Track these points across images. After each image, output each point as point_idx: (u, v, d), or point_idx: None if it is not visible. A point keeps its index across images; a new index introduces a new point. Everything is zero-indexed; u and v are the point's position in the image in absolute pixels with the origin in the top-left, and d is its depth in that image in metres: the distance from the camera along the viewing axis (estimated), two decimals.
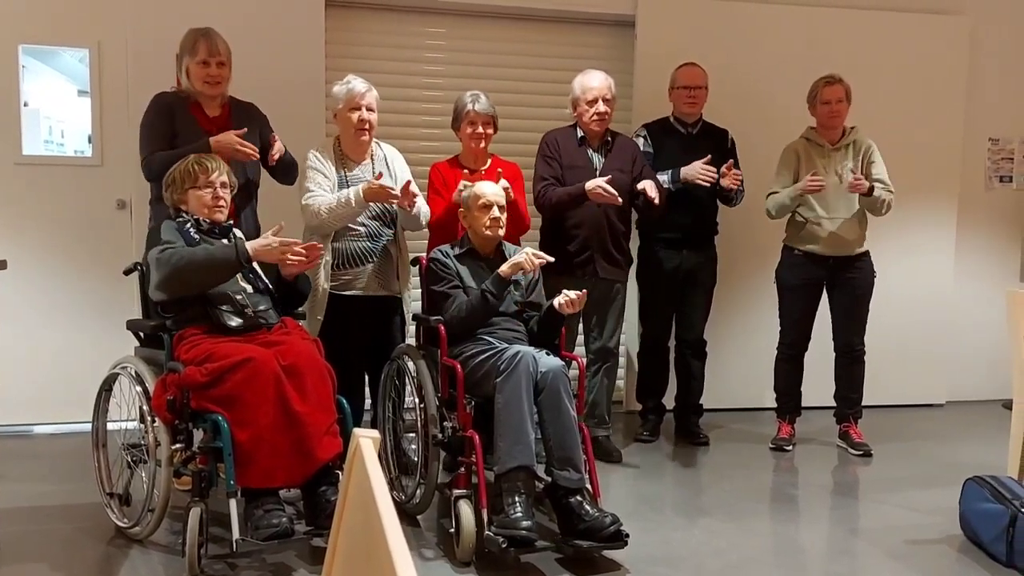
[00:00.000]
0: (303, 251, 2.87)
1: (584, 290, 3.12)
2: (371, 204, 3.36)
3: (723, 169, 3.92)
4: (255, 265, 3.02)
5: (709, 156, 3.94)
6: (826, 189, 3.96)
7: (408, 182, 3.32)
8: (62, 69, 4.33)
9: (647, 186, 3.64)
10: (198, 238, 2.87)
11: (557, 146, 3.86)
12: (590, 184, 3.60)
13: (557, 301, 3.07)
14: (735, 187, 3.96)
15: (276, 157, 3.41)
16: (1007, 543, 2.80)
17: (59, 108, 4.31)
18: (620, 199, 3.61)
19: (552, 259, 3.18)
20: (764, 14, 4.81)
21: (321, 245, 2.93)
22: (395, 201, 3.32)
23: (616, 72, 4.34)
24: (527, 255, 3.05)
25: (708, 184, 3.91)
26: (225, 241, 2.93)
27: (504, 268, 3.05)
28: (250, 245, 2.83)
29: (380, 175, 3.29)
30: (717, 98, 4.24)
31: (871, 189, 3.92)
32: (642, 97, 4.67)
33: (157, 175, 3.18)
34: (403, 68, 4.63)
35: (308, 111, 4.27)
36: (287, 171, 3.54)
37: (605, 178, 3.61)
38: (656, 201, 3.64)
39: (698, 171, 3.90)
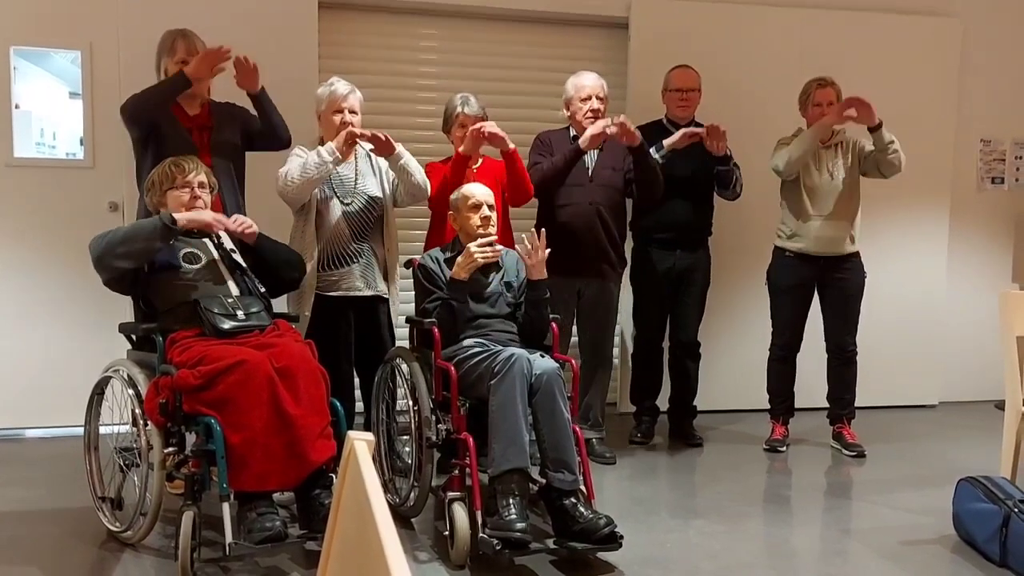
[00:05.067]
0: (236, 227, 2.96)
1: (537, 234, 3.13)
2: (354, 203, 3.39)
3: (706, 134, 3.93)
4: (244, 266, 3.02)
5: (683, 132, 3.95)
6: (816, 186, 4.01)
7: (382, 136, 3.33)
8: (54, 71, 4.31)
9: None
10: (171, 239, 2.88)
11: (550, 143, 3.88)
12: (585, 136, 3.64)
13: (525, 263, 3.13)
14: (723, 151, 3.95)
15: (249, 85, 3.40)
16: (1000, 543, 2.81)
17: (50, 110, 4.29)
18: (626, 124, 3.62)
19: (494, 237, 3.11)
20: (757, 16, 4.82)
21: (252, 229, 3.03)
22: (381, 152, 3.37)
23: (609, 73, 4.35)
24: (473, 248, 3.02)
25: (695, 138, 3.89)
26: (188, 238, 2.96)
27: (456, 270, 3.04)
28: (179, 213, 2.86)
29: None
30: (710, 99, 4.25)
31: (880, 124, 3.90)
32: (635, 98, 4.67)
33: (131, 112, 3.24)
34: (396, 69, 4.62)
35: (301, 114, 4.24)
36: (272, 128, 3.51)
37: (604, 123, 3.64)
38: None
39: (677, 136, 3.91)
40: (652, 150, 3.94)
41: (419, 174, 3.44)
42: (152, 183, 2.97)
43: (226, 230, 2.97)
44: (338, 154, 3.26)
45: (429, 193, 3.51)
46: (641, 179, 3.83)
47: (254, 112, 3.52)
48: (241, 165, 3.51)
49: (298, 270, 3.19)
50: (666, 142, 3.94)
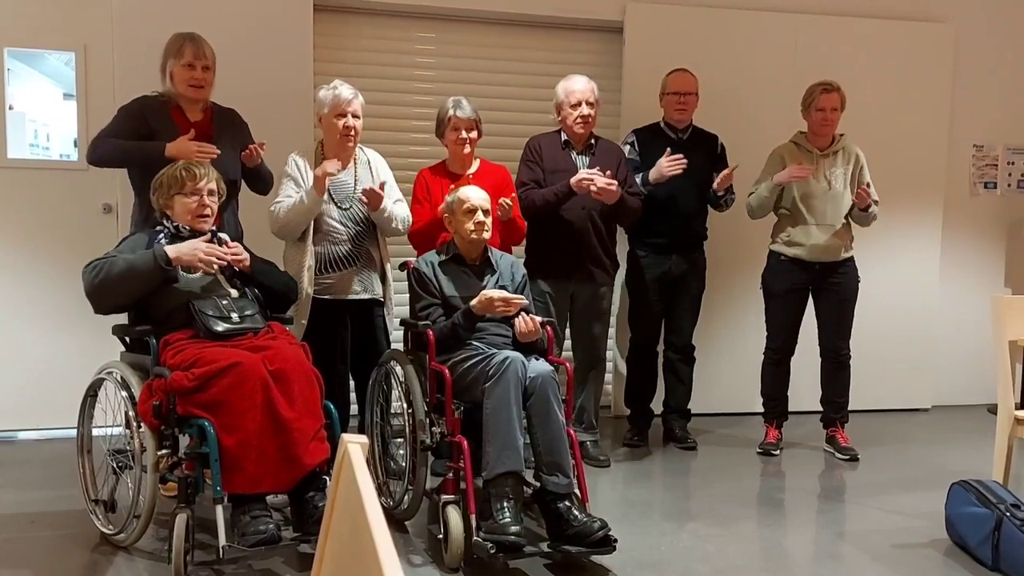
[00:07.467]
0: (227, 255, 2.87)
1: (526, 302, 3.11)
2: (351, 208, 3.39)
3: (721, 176, 3.99)
4: (238, 270, 3.01)
5: (668, 150, 3.92)
6: (813, 194, 4.01)
7: (381, 184, 3.32)
8: (48, 72, 4.31)
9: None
10: None
11: (540, 150, 3.87)
12: (575, 178, 3.62)
13: (519, 331, 3.08)
14: (720, 191, 4.02)
15: (253, 162, 3.38)
16: (992, 547, 2.82)
17: (44, 111, 4.28)
18: (611, 186, 3.60)
19: (525, 301, 3.10)
20: (751, 21, 4.83)
21: (245, 258, 2.95)
22: (364, 202, 3.35)
23: (604, 78, 4.36)
24: (499, 301, 2.98)
25: (679, 171, 3.87)
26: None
27: (476, 304, 3.00)
28: (172, 248, 2.79)
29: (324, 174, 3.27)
30: (705, 104, 4.25)
31: (868, 205, 3.98)
32: (630, 103, 4.68)
33: (98, 158, 3.27)
34: (392, 73, 4.62)
35: (296, 117, 4.26)
36: (260, 181, 3.52)
37: (590, 171, 3.63)
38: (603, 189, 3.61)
39: (663, 167, 3.88)
40: (638, 178, 3.97)
41: (400, 222, 3.46)
42: (160, 184, 2.94)
43: (218, 261, 2.87)
44: (316, 195, 3.25)
45: (407, 230, 3.53)
46: (621, 214, 3.87)
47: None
48: (238, 171, 3.47)
49: (293, 293, 3.19)
50: (651, 176, 3.93)
